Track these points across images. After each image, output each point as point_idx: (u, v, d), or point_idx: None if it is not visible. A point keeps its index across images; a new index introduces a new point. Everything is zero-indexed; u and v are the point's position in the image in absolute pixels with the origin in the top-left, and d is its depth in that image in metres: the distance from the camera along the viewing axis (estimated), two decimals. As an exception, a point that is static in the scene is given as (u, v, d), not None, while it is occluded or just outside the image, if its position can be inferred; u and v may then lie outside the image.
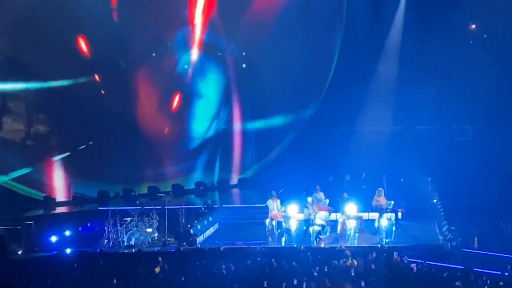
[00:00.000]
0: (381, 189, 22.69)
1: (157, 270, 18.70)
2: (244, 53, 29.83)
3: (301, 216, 22.05)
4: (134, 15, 26.67)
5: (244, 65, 29.87)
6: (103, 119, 27.36)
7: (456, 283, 16.98)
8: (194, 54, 29.12)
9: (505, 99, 27.02)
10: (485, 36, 29.24)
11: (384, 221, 22.53)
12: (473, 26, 30.39)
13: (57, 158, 26.95)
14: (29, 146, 26.92)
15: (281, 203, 22.52)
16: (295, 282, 17.15)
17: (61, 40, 25.93)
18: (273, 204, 22.64)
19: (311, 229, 21.86)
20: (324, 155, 26.81)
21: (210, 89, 29.18)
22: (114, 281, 17.28)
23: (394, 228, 22.52)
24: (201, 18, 28.79)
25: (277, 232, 22.27)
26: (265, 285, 16.98)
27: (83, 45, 26.97)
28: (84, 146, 27.37)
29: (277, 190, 23.07)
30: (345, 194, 23.35)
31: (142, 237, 21.92)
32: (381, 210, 22.65)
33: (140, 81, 28.18)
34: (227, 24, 29.12)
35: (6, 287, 7.55)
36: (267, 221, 22.65)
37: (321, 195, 23.24)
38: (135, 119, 27.88)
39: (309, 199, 22.48)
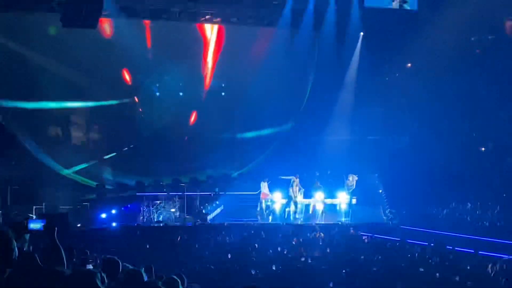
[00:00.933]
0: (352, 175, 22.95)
1: (178, 239, 18.83)
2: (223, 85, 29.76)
3: (284, 201, 22.11)
4: (164, 53, 26.62)
5: (223, 93, 29.81)
6: (139, 129, 27.43)
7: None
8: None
9: (432, 116, 27.10)
10: (417, 70, 29.29)
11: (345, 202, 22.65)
12: (409, 64, 30.52)
13: (106, 156, 26.94)
14: (86, 148, 26.96)
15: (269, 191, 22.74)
16: (279, 249, 17.32)
17: (110, 71, 25.99)
18: (264, 186, 22.91)
19: (291, 209, 21.97)
20: (302, 157, 26.76)
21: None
22: (147, 246, 17.41)
23: (350, 210, 22.67)
24: (212, 57, 28.89)
25: (265, 213, 22.36)
26: (254, 250, 17.10)
27: (126, 75, 27.02)
28: (126, 148, 27.39)
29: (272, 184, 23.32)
30: (317, 182, 23.47)
31: (167, 215, 22.17)
32: (350, 187, 22.94)
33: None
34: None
35: (69, 251, 7.63)
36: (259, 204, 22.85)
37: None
38: (162, 130, 27.88)
39: (295, 179, 22.77)
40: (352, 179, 23.38)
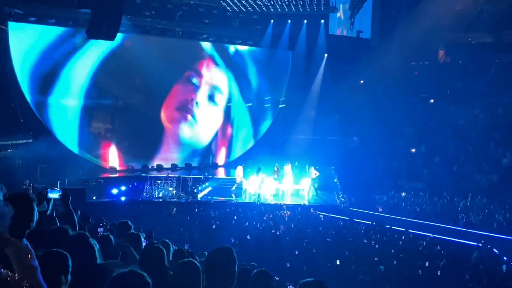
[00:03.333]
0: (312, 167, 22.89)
1: (173, 211, 18.70)
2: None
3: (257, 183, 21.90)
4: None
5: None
6: (150, 122, 27.24)
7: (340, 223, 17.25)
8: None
9: (378, 123, 27.27)
10: (368, 86, 29.48)
11: (309, 189, 22.62)
12: (362, 81, 30.68)
13: (120, 144, 26.67)
14: (104, 136, 26.56)
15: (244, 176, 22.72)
16: (254, 223, 17.27)
17: (127, 77, 25.69)
18: (239, 170, 22.94)
19: (262, 191, 21.87)
20: (277, 150, 26.67)
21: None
22: (149, 216, 17.28)
23: (311, 194, 22.65)
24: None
25: (243, 194, 22.23)
26: (233, 222, 17.06)
27: (139, 80, 26.74)
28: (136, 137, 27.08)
29: (245, 168, 23.17)
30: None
31: (166, 193, 21.92)
32: (313, 180, 22.91)
33: (168, 102, 28.04)
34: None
35: (86, 217, 7.52)
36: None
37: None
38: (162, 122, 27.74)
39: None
40: (313, 173, 23.44)
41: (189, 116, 28.82)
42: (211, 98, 29.28)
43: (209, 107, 29.24)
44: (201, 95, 28.99)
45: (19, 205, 3.45)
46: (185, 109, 28.70)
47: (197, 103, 28.84)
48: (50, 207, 5.14)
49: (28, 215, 3.45)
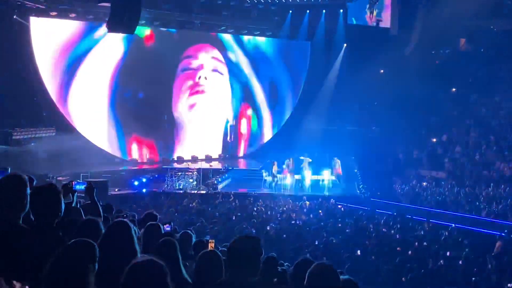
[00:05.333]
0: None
1: (194, 203, 18.85)
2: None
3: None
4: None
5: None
6: (170, 114, 27.35)
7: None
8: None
9: (398, 112, 27.08)
10: (388, 75, 29.25)
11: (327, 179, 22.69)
12: (382, 71, 30.44)
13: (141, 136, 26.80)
14: (125, 128, 26.63)
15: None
16: (273, 212, 17.35)
17: (147, 70, 25.59)
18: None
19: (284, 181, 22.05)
20: (296, 140, 26.59)
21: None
22: (171, 209, 17.44)
23: (331, 185, 22.68)
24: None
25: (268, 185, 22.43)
26: (254, 213, 17.14)
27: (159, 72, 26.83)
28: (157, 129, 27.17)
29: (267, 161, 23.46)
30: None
31: (187, 184, 22.10)
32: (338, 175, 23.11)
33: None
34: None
35: (109, 208, 7.67)
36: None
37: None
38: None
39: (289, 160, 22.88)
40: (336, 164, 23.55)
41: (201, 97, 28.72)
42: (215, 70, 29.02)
43: (216, 77, 28.96)
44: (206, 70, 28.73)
45: (46, 196, 3.57)
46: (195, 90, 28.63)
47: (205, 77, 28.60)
48: (75, 199, 5.27)
49: (55, 206, 3.56)
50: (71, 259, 2.77)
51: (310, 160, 23.35)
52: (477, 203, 19.70)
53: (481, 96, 27.13)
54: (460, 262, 12.25)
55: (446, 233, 15.06)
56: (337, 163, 23.70)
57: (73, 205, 5.24)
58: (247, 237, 3.68)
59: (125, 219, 4.29)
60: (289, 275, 3.49)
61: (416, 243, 13.78)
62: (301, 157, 23.33)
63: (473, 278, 11.17)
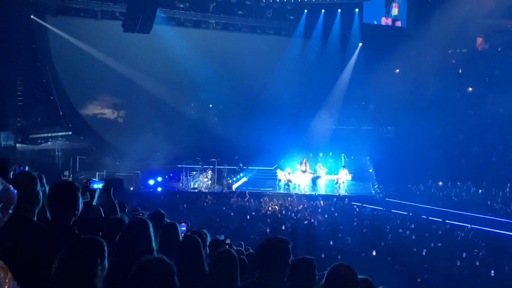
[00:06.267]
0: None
1: (209, 202, 18.89)
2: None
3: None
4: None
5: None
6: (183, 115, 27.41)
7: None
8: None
9: (414, 112, 26.86)
10: (404, 74, 28.99)
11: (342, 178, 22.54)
12: (397, 70, 30.21)
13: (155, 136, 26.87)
14: (139, 128, 26.71)
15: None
16: (289, 213, 17.31)
17: (162, 71, 25.72)
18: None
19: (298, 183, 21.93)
20: (311, 140, 26.37)
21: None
22: (184, 206, 17.50)
23: (345, 185, 22.53)
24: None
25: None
26: (268, 213, 17.11)
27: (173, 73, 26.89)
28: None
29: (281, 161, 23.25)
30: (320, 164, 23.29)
31: (201, 183, 22.11)
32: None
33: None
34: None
35: (123, 206, 7.73)
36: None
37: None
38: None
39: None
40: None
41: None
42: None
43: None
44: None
45: (64, 192, 3.61)
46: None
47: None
48: (96, 197, 5.34)
49: (72, 203, 3.60)
50: (79, 255, 2.79)
51: (326, 169, 23.35)
52: (494, 204, 19.51)
53: (498, 96, 26.85)
54: (477, 263, 12.13)
55: (462, 234, 14.93)
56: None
57: (93, 203, 5.30)
58: (278, 239, 3.64)
59: (144, 218, 4.32)
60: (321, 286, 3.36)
61: (432, 244, 13.68)
62: (317, 167, 23.23)
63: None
